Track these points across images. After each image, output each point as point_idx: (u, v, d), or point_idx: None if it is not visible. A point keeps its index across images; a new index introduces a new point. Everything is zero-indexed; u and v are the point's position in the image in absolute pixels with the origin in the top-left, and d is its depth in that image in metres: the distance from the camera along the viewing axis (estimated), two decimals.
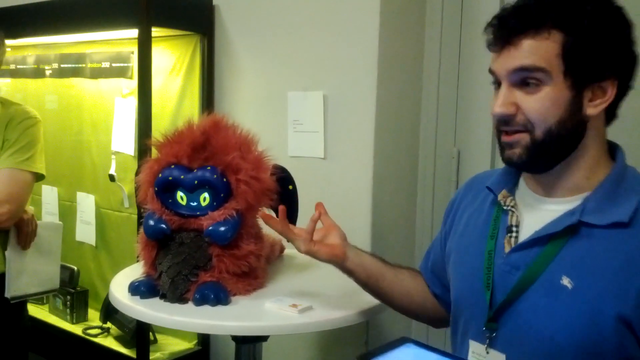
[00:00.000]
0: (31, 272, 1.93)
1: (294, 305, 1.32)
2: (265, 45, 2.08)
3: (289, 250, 1.79)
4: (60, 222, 2.26)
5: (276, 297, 1.38)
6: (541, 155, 1.00)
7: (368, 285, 1.28)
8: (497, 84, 1.02)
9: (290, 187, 1.52)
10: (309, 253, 1.23)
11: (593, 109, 0.98)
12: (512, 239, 1.05)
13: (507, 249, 1.05)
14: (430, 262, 1.32)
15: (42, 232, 1.96)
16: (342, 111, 1.92)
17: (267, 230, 1.56)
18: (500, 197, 1.10)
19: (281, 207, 1.27)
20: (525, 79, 0.97)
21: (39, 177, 1.91)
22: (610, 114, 1.03)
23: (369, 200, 1.88)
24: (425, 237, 2.04)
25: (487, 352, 1.04)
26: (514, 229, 1.06)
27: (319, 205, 1.31)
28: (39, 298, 2.40)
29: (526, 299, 1.00)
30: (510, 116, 0.99)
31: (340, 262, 1.25)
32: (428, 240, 2.04)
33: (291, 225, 1.27)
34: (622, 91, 1.00)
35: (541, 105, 0.97)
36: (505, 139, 1.02)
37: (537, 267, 1.00)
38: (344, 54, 1.90)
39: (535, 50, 0.96)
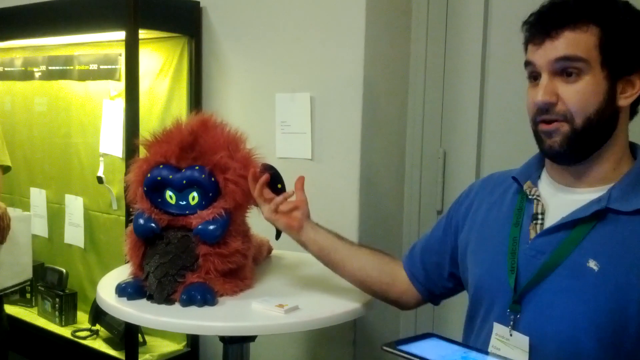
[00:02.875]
0: (7, 266, 1.94)
1: (281, 306, 1.33)
2: (252, 47, 2.09)
3: (277, 250, 1.79)
4: (28, 213, 2.27)
5: (263, 297, 1.39)
6: (580, 144, 1.04)
7: (320, 257, 1.39)
8: (533, 77, 1.07)
9: (279, 185, 1.52)
10: (269, 220, 1.40)
11: (624, 100, 1.04)
12: (538, 226, 1.09)
13: (532, 235, 1.09)
14: (419, 253, 1.34)
15: (13, 225, 1.97)
16: (329, 112, 1.93)
17: (255, 230, 1.58)
18: (525, 187, 1.14)
19: (265, 176, 1.39)
20: (567, 68, 1.02)
21: (5, 169, 1.91)
22: (632, 109, 1.08)
23: (356, 201, 1.89)
24: (412, 236, 2.05)
25: (511, 335, 1.06)
26: (540, 216, 1.10)
27: (298, 180, 1.42)
28: (15, 291, 2.39)
29: (551, 281, 1.03)
30: (552, 104, 1.03)
31: (295, 234, 1.38)
32: (415, 240, 2.06)
33: (265, 191, 1.40)
34: None
35: (582, 95, 1.02)
36: (544, 127, 1.05)
37: (563, 251, 1.03)
38: (331, 56, 1.91)
39: (576, 41, 1.02)
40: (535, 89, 1.05)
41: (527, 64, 1.08)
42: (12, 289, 2.09)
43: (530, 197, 1.12)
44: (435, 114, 2.00)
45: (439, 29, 1.97)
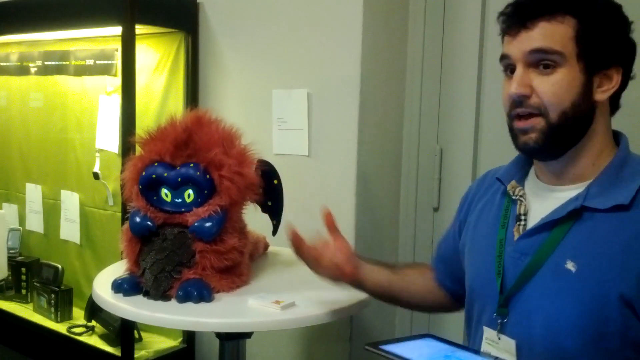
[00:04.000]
0: None
1: (277, 302, 1.33)
2: (249, 44, 2.09)
3: (273, 247, 1.79)
4: (2, 211, 2.26)
5: (259, 293, 1.39)
6: (556, 139, 1.02)
7: (376, 293, 1.31)
8: (509, 70, 1.05)
9: (275, 181, 1.52)
10: (319, 274, 1.28)
11: (601, 94, 1.02)
12: (521, 227, 1.08)
13: (516, 237, 1.08)
14: (442, 254, 1.34)
15: None
16: (326, 109, 1.93)
17: (252, 226, 1.57)
18: (509, 187, 1.13)
19: (294, 233, 1.24)
20: (541, 60, 1.00)
21: None
22: (614, 103, 1.06)
23: (353, 198, 1.89)
24: (409, 233, 2.06)
25: (499, 338, 1.06)
26: (523, 217, 1.08)
27: (327, 219, 1.27)
28: None
29: (534, 283, 1.03)
30: (526, 97, 1.01)
31: (349, 279, 1.27)
32: (411, 237, 2.06)
33: (305, 248, 1.25)
34: (625, 81, 1.04)
35: (557, 88, 1.00)
36: (519, 124, 1.03)
37: (544, 252, 1.02)
38: (328, 52, 1.91)
39: (551, 33, 0.99)
40: (510, 82, 1.03)
41: (503, 57, 1.05)
42: None
43: (514, 197, 1.11)
44: (432, 111, 2.00)
45: (436, 25, 1.97)
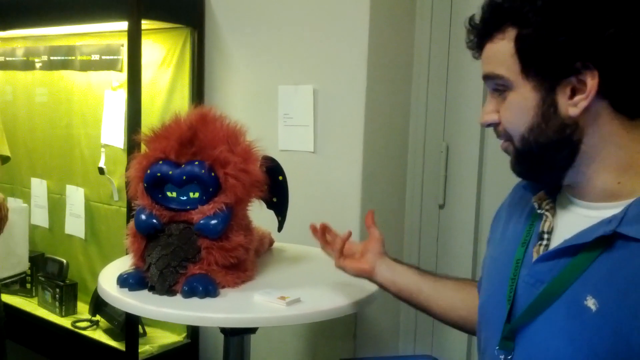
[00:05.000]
0: (4, 256, 1.94)
1: (282, 298, 1.32)
2: (255, 39, 2.08)
3: (278, 242, 1.79)
4: (25, 205, 2.27)
5: (265, 289, 1.39)
6: (530, 165, 0.92)
7: (401, 298, 1.25)
8: None
9: (280, 177, 1.52)
10: (338, 268, 1.29)
11: (574, 108, 0.85)
12: (542, 247, 0.93)
13: (534, 258, 0.93)
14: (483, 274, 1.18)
15: (10, 217, 1.98)
16: (332, 105, 1.92)
17: (257, 222, 1.57)
18: (535, 199, 0.98)
19: (322, 226, 1.33)
20: (495, 87, 0.92)
21: (4, 160, 1.92)
22: (622, 107, 0.86)
23: (358, 194, 1.89)
24: (414, 230, 2.05)
25: None
26: (545, 235, 0.94)
27: (368, 216, 1.31)
28: (10, 282, 2.39)
29: (545, 318, 0.88)
30: (494, 124, 0.94)
31: (368, 277, 1.27)
32: (417, 235, 2.06)
33: (329, 239, 1.32)
34: (622, 79, 0.84)
35: (510, 114, 0.90)
36: (500, 146, 0.97)
37: (562, 282, 0.86)
38: (334, 48, 1.90)
39: (493, 55, 0.89)
40: None
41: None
42: (8, 280, 2.10)
43: (538, 211, 0.96)
44: (438, 108, 1.99)
45: (442, 22, 1.97)
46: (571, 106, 0.86)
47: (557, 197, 0.97)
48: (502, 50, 0.87)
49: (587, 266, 0.84)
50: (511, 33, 0.86)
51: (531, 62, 0.86)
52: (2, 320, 2.06)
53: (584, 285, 0.84)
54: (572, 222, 0.91)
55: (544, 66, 0.85)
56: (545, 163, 0.90)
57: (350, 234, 1.29)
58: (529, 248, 0.95)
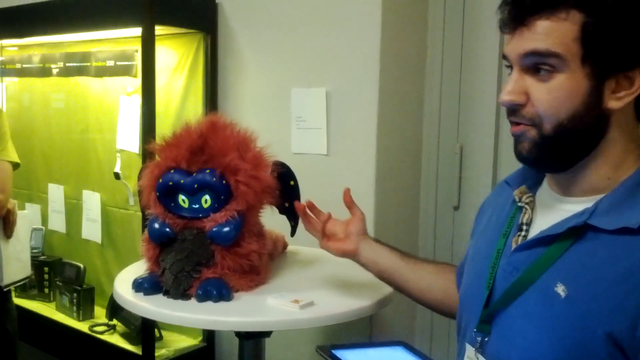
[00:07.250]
0: (15, 260, 1.98)
1: (296, 301, 1.32)
2: (268, 43, 2.09)
3: (292, 246, 1.79)
4: (26, 211, 2.32)
5: (278, 292, 1.39)
6: (552, 153, 0.90)
7: (382, 278, 1.30)
8: (511, 67, 0.92)
9: (292, 182, 1.52)
10: (323, 248, 1.34)
11: (616, 101, 0.87)
12: (520, 238, 0.98)
13: (513, 248, 0.98)
14: (463, 261, 1.23)
15: (17, 221, 2.03)
16: (345, 108, 1.92)
17: (269, 226, 1.57)
18: (516, 192, 1.02)
19: (302, 205, 1.37)
20: (537, 64, 0.87)
21: (14, 166, 1.96)
22: None
23: (372, 196, 1.88)
24: (429, 232, 2.04)
25: (477, 358, 0.98)
26: (524, 227, 0.98)
27: (345, 194, 1.35)
28: (19, 286, 2.41)
29: (519, 303, 0.92)
30: (519, 106, 0.90)
31: (351, 257, 1.31)
32: (431, 236, 2.05)
33: (313, 220, 1.36)
34: None
35: (553, 97, 0.87)
36: (512, 130, 0.93)
37: (535, 270, 0.91)
38: (347, 51, 1.90)
39: (551, 32, 0.85)
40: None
41: (503, 56, 0.93)
42: (18, 284, 2.15)
43: (519, 204, 1.00)
44: (452, 108, 1.98)
45: (456, 22, 1.96)
46: (614, 99, 0.87)
47: (537, 191, 1.01)
48: (562, 30, 0.85)
49: (560, 255, 0.89)
50: (576, 17, 0.85)
51: (595, 51, 0.85)
52: (14, 322, 2.09)
53: (555, 273, 0.89)
54: (549, 216, 0.95)
55: (607, 58, 0.85)
56: (569, 151, 0.90)
57: (329, 215, 1.35)
58: (508, 239, 1.00)
